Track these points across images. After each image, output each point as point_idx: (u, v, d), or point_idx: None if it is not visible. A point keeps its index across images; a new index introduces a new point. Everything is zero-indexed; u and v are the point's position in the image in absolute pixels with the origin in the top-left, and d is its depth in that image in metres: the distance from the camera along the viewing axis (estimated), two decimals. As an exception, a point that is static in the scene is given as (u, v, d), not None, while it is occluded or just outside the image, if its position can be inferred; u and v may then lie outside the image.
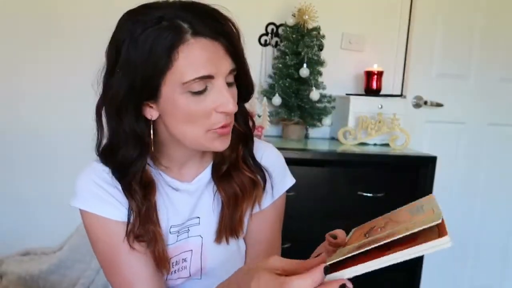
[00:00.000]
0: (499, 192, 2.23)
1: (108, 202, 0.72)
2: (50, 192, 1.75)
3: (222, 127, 0.69)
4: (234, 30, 0.69)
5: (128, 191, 0.72)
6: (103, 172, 0.73)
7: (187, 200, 0.80)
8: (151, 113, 0.70)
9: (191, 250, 0.79)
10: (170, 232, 0.78)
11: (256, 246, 0.85)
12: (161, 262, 0.74)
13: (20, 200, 1.78)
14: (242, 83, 0.73)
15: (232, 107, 0.67)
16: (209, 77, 0.65)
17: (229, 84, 0.69)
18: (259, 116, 1.73)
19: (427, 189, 1.60)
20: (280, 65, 1.79)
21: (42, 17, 1.71)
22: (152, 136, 0.71)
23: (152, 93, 0.66)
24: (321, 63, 1.82)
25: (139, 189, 0.72)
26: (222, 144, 0.71)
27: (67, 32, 1.73)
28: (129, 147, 0.70)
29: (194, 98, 0.66)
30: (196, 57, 0.64)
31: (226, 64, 0.67)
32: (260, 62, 1.91)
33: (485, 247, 2.25)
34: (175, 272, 0.79)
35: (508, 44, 2.12)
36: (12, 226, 1.77)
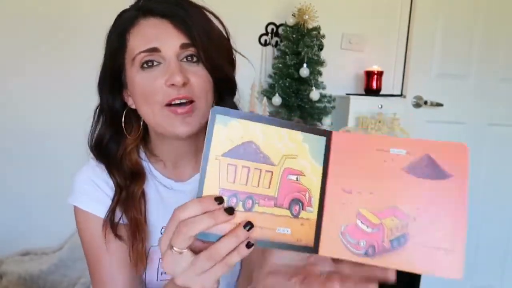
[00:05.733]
0: (499, 192, 2.23)
1: (97, 198, 0.74)
2: (50, 192, 1.75)
3: (175, 102, 0.67)
4: (197, 10, 0.72)
5: (115, 167, 0.75)
6: (97, 168, 0.76)
7: (180, 200, 0.78)
8: (130, 101, 0.75)
9: None
10: (161, 233, 0.78)
11: None
12: (139, 255, 0.74)
13: (20, 200, 1.78)
14: (214, 71, 0.71)
15: (179, 79, 0.66)
16: (155, 49, 0.68)
17: (186, 60, 0.69)
18: (259, 116, 1.72)
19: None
20: (280, 65, 1.79)
21: (41, 17, 1.71)
22: (123, 119, 0.76)
23: (118, 75, 0.73)
24: (321, 63, 1.82)
25: (127, 170, 0.75)
26: (183, 126, 0.68)
27: (67, 32, 1.73)
28: (106, 123, 0.76)
29: (146, 74, 0.69)
30: (143, 34, 0.69)
31: (175, 38, 0.68)
32: (260, 62, 1.91)
33: (485, 247, 2.25)
34: (165, 273, 0.78)
35: (508, 44, 2.12)
36: (12, 226, 1.76)
